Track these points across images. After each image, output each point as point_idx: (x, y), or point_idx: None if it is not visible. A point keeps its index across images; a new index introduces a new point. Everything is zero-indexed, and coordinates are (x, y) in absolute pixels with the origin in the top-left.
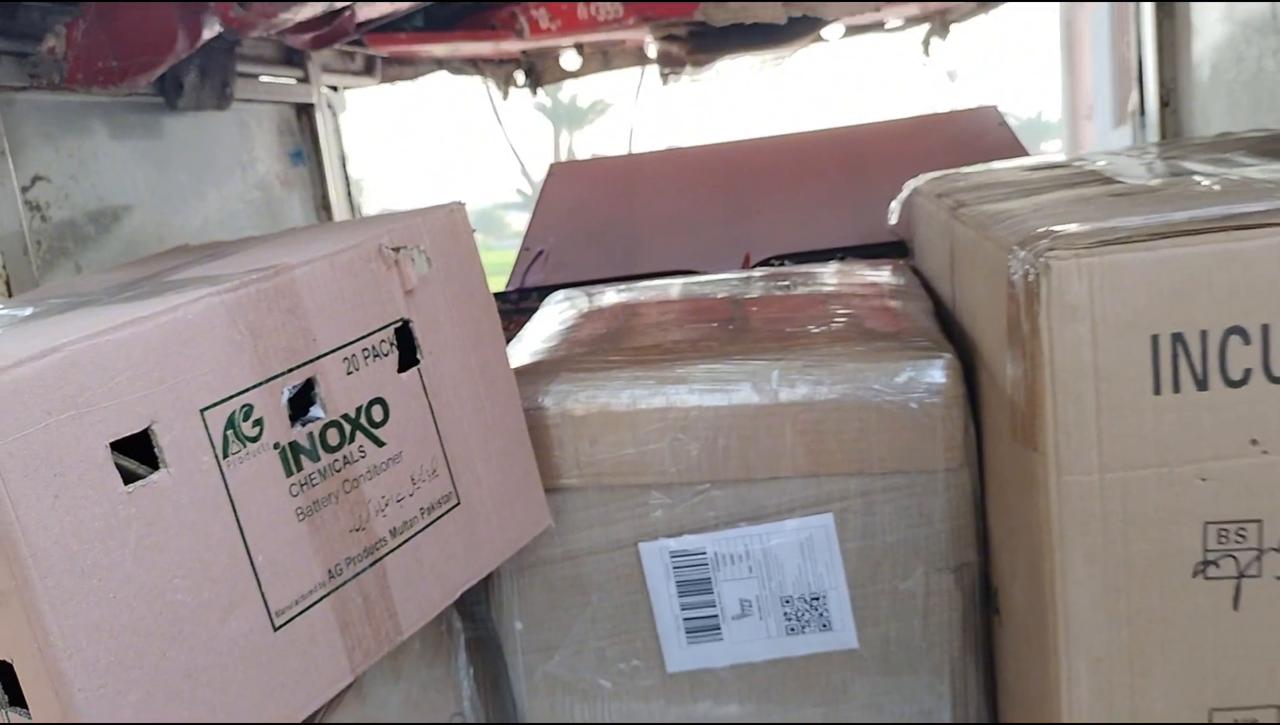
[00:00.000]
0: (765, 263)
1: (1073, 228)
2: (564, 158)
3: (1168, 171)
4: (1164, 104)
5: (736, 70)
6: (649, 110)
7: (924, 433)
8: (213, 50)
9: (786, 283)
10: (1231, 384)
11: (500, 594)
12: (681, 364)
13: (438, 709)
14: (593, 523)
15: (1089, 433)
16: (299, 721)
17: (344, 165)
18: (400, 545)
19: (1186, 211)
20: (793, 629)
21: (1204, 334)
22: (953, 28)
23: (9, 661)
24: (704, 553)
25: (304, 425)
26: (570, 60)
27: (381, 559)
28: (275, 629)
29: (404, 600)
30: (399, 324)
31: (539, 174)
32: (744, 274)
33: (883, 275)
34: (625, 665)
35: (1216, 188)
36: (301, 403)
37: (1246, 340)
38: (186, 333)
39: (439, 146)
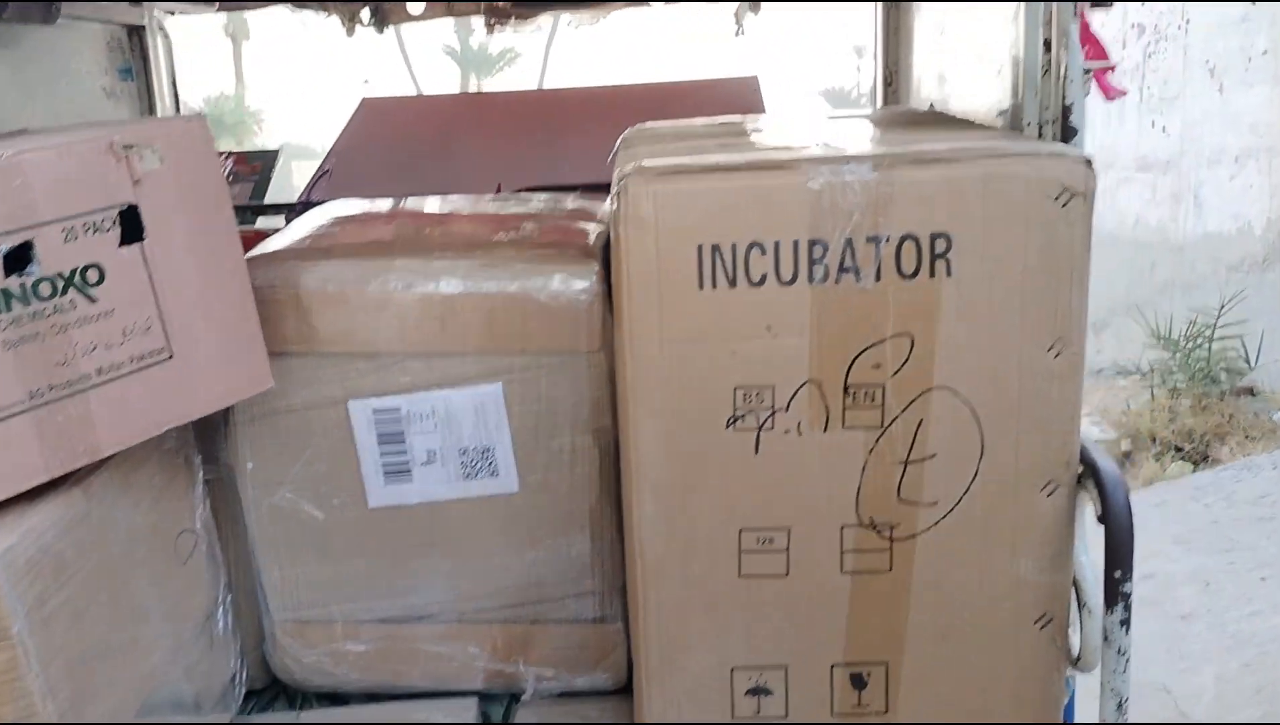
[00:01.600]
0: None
1: (656, 163)
2: None
3: (785, 131)
4: (887, 84)
5: (559, 24)
6: (559, 57)
7: (573, 323)
8: None
9: (504, 205)
10: (753, 284)
11: (236, 439)
12: (389, 257)
13: (166, 529)
14: (312, 382)
15: (653, 315)
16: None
17: (173, 84)
18: (105, 383)
19: (744, 155)
20: (468, 474)
21: (734, 246)
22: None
23: None
24: (399, 410)
25: (19, 276)
26: (415, 6)
27: (85, 392)
28: None
29: (106, 426)
30: (124, 207)
31: None
32: (483, 197)
33: (592, 205)
34: (336, 500)
35: (788, 143)
36: (22, 259)
37: (764, 252)
38: None
39: (337, 84)
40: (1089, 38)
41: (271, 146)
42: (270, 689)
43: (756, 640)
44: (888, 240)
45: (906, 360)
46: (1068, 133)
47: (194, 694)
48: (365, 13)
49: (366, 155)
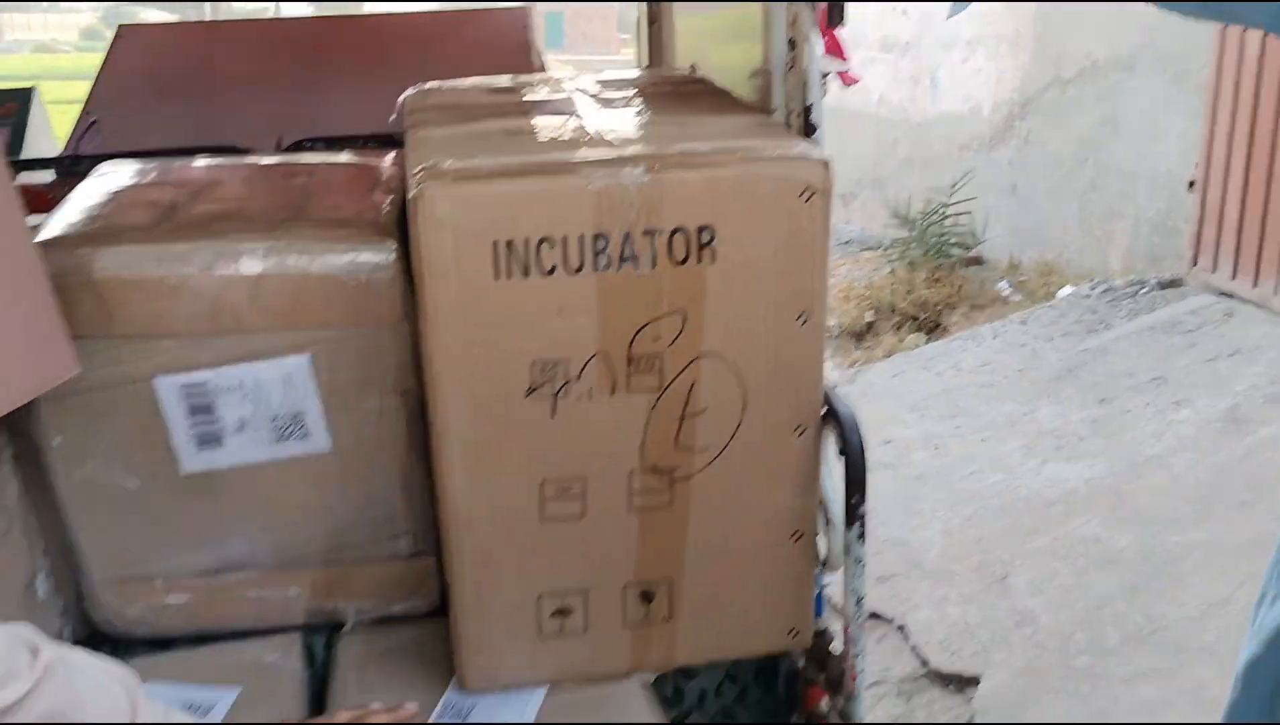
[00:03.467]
0: (297, 145)
1: (449, 164)
2: None
3: (561, 110)
4: (651, 21)
5: None
6: None
7: (374, 297)
8: None
9: (293, 171)
10: (545, 274)
11: (40, 417)
12: (184, 239)
13: None
14: (115, 362)
15: (455, 305)
16: None
17: None
18: None
19: (530, 156)
20: (279, 438)
21: (526, 241)
22: None
23: None
24: (206, 384)
25: None
26: None
27: None
28: None
29: None
30: None
31: None
32: (266, 158)
33: (374, 165)
34: (148, 469)
35: (567, 137)
36: None
37: (553, 246)
38: None
39: None
40: (831, 41)
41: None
42: (93, 638)
43: (559, 571)
44: (661, 233)
45: (680, 333)
46: (809, 128)
47: None
48: None
49: (132, 97)
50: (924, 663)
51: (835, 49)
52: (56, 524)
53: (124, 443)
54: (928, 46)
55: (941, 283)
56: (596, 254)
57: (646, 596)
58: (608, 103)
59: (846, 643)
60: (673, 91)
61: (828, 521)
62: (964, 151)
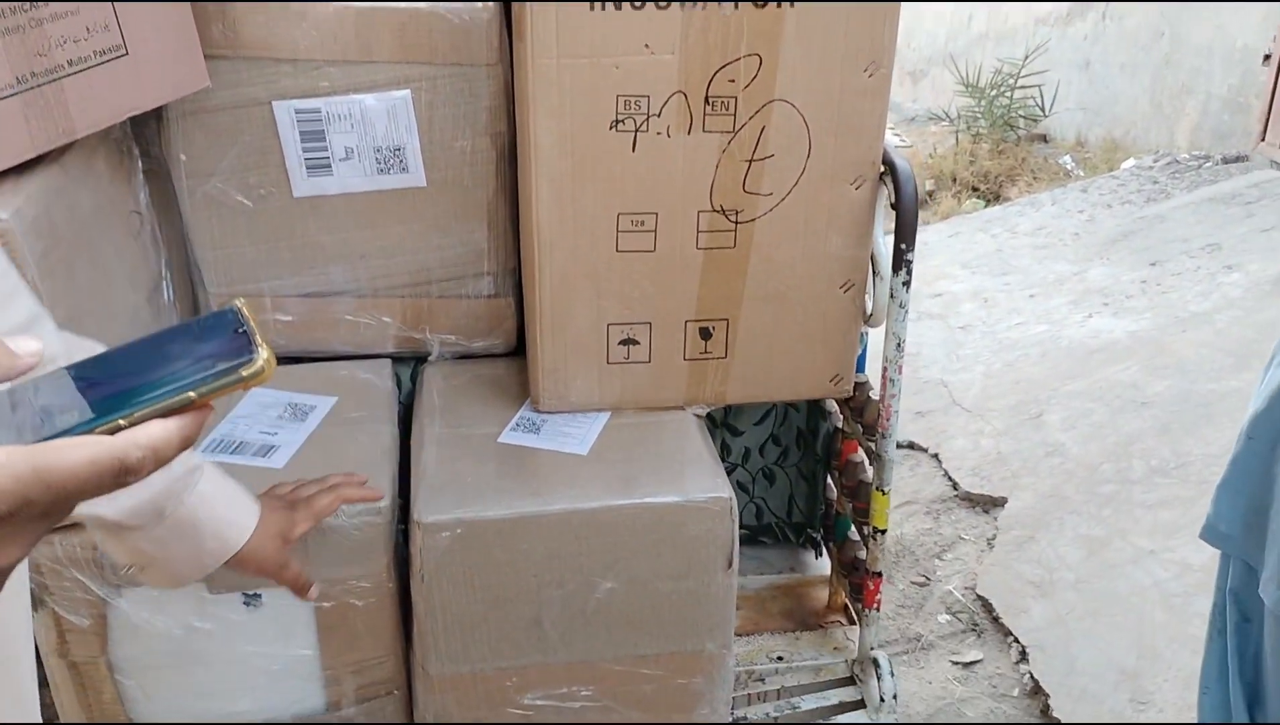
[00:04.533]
0: None
1: None
2: None
3: None
4: None
5: None
6: None
7: (473, 37)
8: None
9: None
10: (635, 7)
11: (170, 133)
12: None
13: (119, 207)
14: (238, 84)
15: (551, 32)
16: None
17: None
18: (76, 73)
19: None
20: (382, 170)
21: None
22: None
23: None
24: (319, 111)
25: None
26: None
27: (60, 79)
28: None
29: (78, 111)
30: None
31: None
32: None
33: None
34: (263, 191)
35: None
36: None
37: None
38: None
39: None
40: None
41: None
42: None
43: (628, 303)
44: None
45: (755, 76)
46: None
47: None
48: None
49: None
50: (954, 486)
51: None
52: (179, 240)
53: (242, 164)
54: None
55: (1005, 155)
56: None
57: (705, 333)
58: None
59: (884, 383)
60: None
61: (877, 276)
62: (1040, 26)
